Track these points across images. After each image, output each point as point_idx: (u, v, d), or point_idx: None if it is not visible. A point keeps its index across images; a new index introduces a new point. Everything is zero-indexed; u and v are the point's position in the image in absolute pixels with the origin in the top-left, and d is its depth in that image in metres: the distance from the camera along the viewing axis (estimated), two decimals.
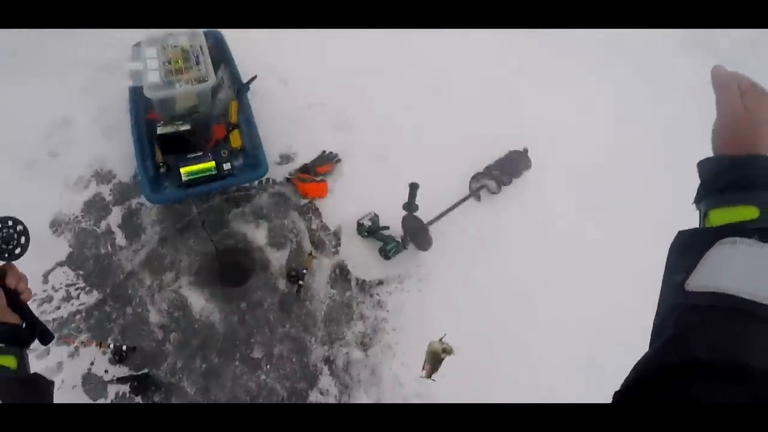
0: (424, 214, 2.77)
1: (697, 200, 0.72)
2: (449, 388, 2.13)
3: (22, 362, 0.91)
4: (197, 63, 2.89)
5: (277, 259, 2.86)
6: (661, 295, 0.69)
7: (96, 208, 2.90)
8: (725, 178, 0.68)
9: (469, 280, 2.90)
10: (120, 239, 2.84)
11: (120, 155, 3.02)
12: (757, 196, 0.65)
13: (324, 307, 2.79)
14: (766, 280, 0.58)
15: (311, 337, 2.73)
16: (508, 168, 3.13)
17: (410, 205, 2.71)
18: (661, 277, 0.70)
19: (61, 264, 2.75)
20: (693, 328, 0.60)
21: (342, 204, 3.03)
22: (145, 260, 2.80)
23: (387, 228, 2.92)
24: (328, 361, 2.71)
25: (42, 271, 2.72)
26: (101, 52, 3.31)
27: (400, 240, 2.84)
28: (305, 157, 3.12)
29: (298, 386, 2.64)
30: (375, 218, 2.91)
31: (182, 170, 2.71)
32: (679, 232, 0.70)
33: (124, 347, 2.57)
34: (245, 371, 2.64)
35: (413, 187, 2.66)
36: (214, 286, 2.77)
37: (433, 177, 2.88)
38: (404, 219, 2.81)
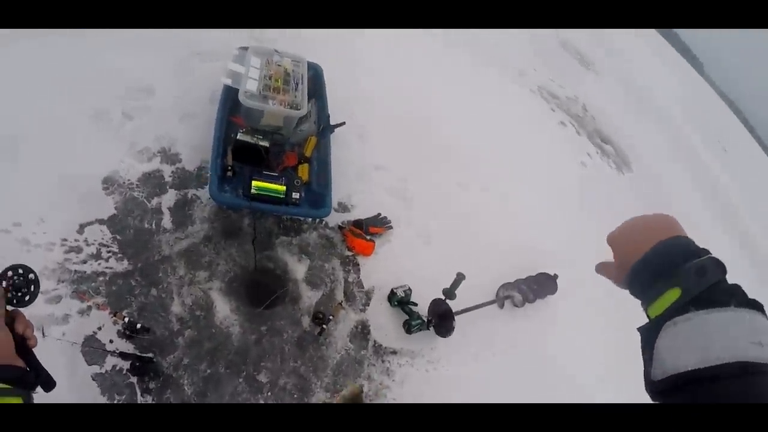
0: (455, 308, 2.97)
1: (644, 308, 0.79)
2: None
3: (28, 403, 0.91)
4: (295, 89, 3.11)
5: (309, 297, 2.91)
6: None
7: (153, 183, 2.91)
8: (643, 279, 0.78)
9: (471, 379, 3.03)
10: (167, 222, 2.84)
11: (190, 143, 3.09)
12: (673, 278, 0.72)
13: (338, 357, 2.83)
14: (714, 343, 0.64)
15: (318, 380, 2.74)
16: (536, 287, 3.39)
17: (451, 292, 2.90)
18: None
19: (101, 222, 2.70)
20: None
21: (382, 268, 3.17)
22: (185, 251, 2.78)
23: (415, 304, 3.07)
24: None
25: (80, 221, 2.65)
26: (202, 39, 3.47)
27: (425, 320, 2.99)
28: (361, 212, 3.29)
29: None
30: (408, 291, 3.06)
31: (254, 183, 2.80)
32: (638, 329, 0.77)
33: (139, 324, 2.49)
34: (246, 390, 2.59)
35: (459, 277, 2.87)
36: (242, 301, 2.77)
37: (467, 273, 3.12)
38: (434, 302, 2.99)
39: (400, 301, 3.02)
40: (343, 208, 3.31)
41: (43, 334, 2.34)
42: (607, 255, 0.88)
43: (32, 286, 1.07)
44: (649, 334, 0.72)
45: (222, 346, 2.62)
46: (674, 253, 0.75)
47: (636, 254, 0.79)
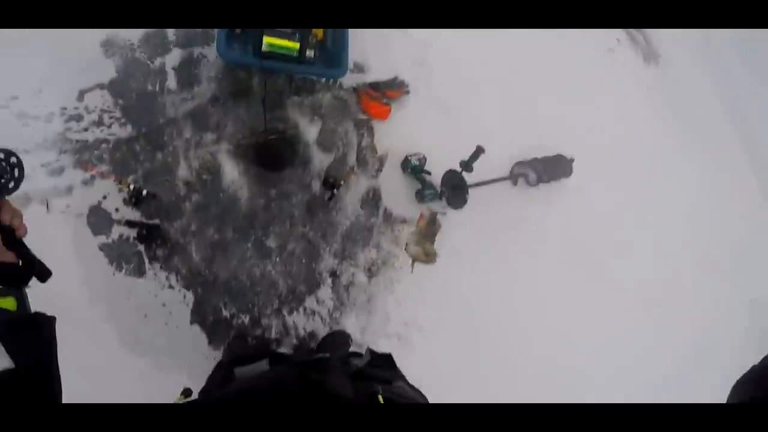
0: (468, 182, 2.75)
1: None
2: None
3: (22, 303, 0.86)
4: None
5: (320, 160, 2.74)
6: None
7: (155, 42, 2.72)
8: None
9: (481, 252, 2.88)
10: (171, 82, 2.68)
11: None
12: None
13: (347, 223, 2.71)
14: None
15: (327, 246, 2.64)
16: (551, 168, 3.09)
17: (469, 165, 2.62)
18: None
19: (101, 87, 2.58)
20: None
21: (396, 134, 2.91)
22: (191, 112, 2.65)
23: (429, 173, 2.83)
24: (334, 274, 2.64)
25: (80, 87, 2.54)
26: None
27: (438, 190, 2.76)
28: (377, 74, 2.98)
29: (299, 288, 2.57)
30: (423, 160, 2.81)
31: (266, 39, 2.53)
32: None
33: (145, 191, 2.43)
34: (254, 255, 2.54)
35: (479, 150, 2.57)
36: (250, 163, 2.64)
37: (487, 153, 2.80)
38: (448, 173, 2.74)
39: (414, 169, 2.80)
40: (359, 68, 3.00)
41: (48, 207, 2.34)
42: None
43: (15, 170, 0.96)
44: None
45: (230, 211, 2.55)
46: None
47: None
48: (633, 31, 4.03)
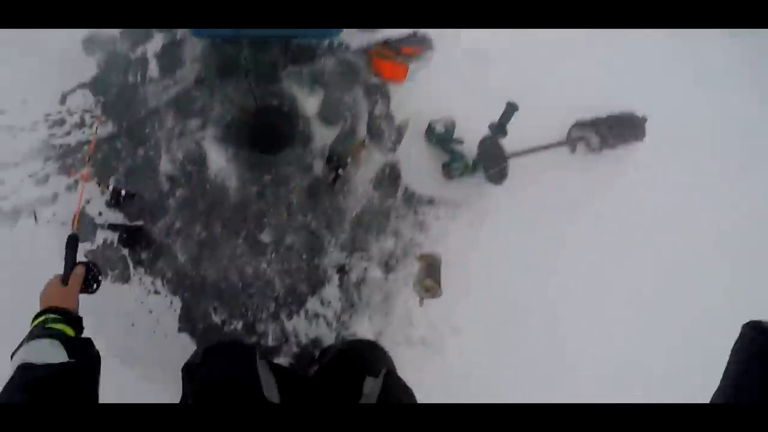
0: (507, 145, 2.09)
1: None
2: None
3: (79, 331, 1.17)
4: None
5: (323, 136, 2.30)
6: None
7: (136, 31, 2.47)
8: None
9: (531, 235, 2.24)
10: (153, 70, 2.41)
11: None
12: None
13: (358, 208, 2.22)
14: None
15: (332, 237, 2.18)
16: (617, 130, 2.35)
17: (500, 128, 2.03)
18: None
19: (82, 86, 2.37)
20: None
21: (418, 97, 2.39)
22: (174, 99, 2.35)
23: (461, 142, 2.27)
24: (342, 270, 2.16)
25: (62, 90, 2.34)
26: None
27: (471, 163, 2.18)
28: (391, 31, 2.48)
29: (299, 287, 2.13)
30: (451, 126, 2.26)
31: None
32: None
33: (123, 191, 2.17)
34: (246, 252, 2.15)
35: (511, 108, 1.98)
36: (240, 147, 2.27)
37: (531, 107, 2.14)
38: (484, 140, 2.14)
39: (440, 137, 2.26)
40: None
41: (36, 218, 2.17)
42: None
43: (99, 277, 1.41)
44: None
45: (218, 204, 2.19)
46: None
47: None
48: None
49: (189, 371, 1.46)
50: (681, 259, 2.28)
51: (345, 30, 2.30)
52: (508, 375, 2.07)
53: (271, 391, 1.18)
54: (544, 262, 2.19)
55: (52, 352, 0.99)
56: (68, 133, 2.29)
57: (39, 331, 1.06)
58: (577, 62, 2.49)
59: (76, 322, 1.17)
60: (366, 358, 1.46)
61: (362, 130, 2.33)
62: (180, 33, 2.44)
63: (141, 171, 2.25)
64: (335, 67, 2.41)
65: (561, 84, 2.41)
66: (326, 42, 2.41)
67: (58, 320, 1.11)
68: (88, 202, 2.19)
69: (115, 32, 2.44)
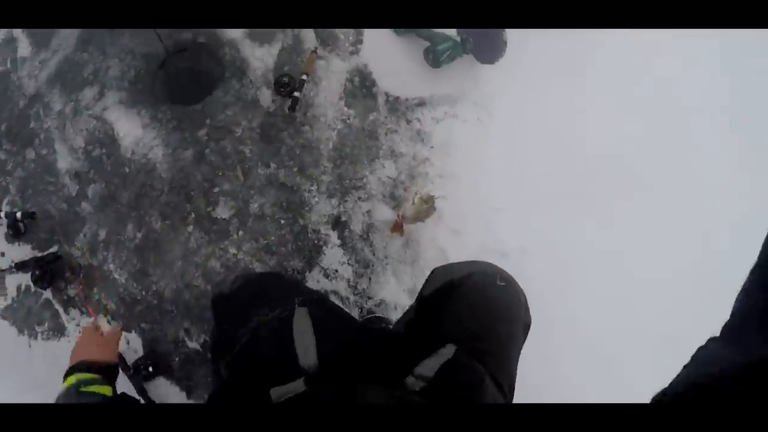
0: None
1: None
2: None
3: (114, 390, 0.99)
4: None
5: (260, 58, 1.63)
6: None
7: None
8: None
9: (548, 111, 1.54)
10: (23, 48, 1.78)
11: None
12: None
13: (334, 136, 1.54)
14: None
15: (311, 183, 1.51)
16: None
17: None
18: None
19: None
20: None
21: None
22: (55, 74, 1.72)
23: None
24: (339, 223, 1.48)
25: None
26: None
27: (459, 40, 1.52)
28: None
29: (290, 264, 1.47)
30: None
31: None
32: None
33: (19, 214, 1.54)
34: (204, 241, 1.50)
35: None
36: (157, 105, 1.62)
37: None
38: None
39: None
40: None
41: None
42: None
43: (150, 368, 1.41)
44: None
45: (147, 189, 1.56)
46: None
47: None
48: None
49: (219, 311, 1.04)
50: None
51: None
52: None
53: (308, 355, 0.76)
54: (560, 148, 1.51)
55: None
56: None
57: (72, 400, 0.90)
58: None
59: (110, 374, 1.03)
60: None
61: (309, 37, 1.65)
62: None
63: (37, 178, 1.63)
64: None
65: None
66: None
67: (93, 381, 0.95)
68: None
69: None
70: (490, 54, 1.53)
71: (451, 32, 1.55)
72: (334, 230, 1.48)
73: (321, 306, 0.90)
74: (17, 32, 1.80)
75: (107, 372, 1.00)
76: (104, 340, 1.10)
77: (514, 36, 1.50)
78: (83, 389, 0.92)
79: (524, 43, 1.56)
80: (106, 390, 0.94)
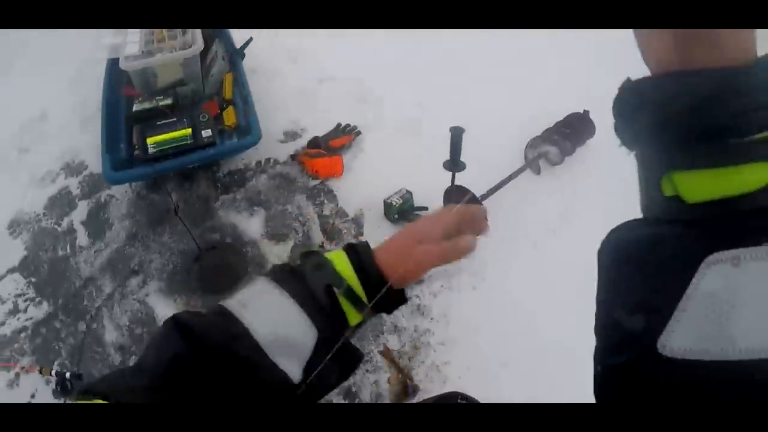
0: (473, 190, 1.96)
1: (654, 175, 0.40)
2: None
3: None
4: (183, 33, 2.33)
5: (277, 254, 2.14)
6: (600, 332, 0.46)
7: (60, 203, 2.36)
8: (695, 117, 0.35)
9: (538, 272, 2.02)
10: (82, 238, 2.26)
11: (95, 145, 2.45)
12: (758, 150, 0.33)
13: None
14: None
15: None
16: (571, 134, 2.25)
17: (453, 162, 1.91)
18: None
19: (12, 270, 2.21)
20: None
21: (363, 183, 2.28)
22: (107, 262, 2.18)
23: (424, 209, 2.15)
24: (349, 393, 1.90)
25: None
26: (86, 46, 2.83)
27: None
28: (316, 133, 2.41)
29: None
30: (407, 195, 2.13)
31: (149, 140, 2.11)
32: (625, 227, 0.45)
33: (68, 374, 1.93)
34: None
35: (456, 133, 1.85)
36: (191, 293, 2.09)
37: (481, 146, 2.10)
38: (448, 191, 2.03)
39: (401, 210, 2.12)
40: (291, 136, 2.48)
41: None
42: None
43: None
44: (674, 260, 0.37)
45: None
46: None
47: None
48: None
49: None
50: None
51: (262, 140, 2.20)
52: None
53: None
54: (557, 305, 1.97)
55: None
56: (2, 323, 2.10)
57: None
58: (507, 90, 2.44)
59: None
60: None
61: (317, 236, 2.18)
62: (104, 196, 2.33)
63: (86, 347, 2.03)
64: (269, 183, 2.30)
65: (499, 113, 2.34)
66: (253, 163, 2.33)
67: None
68: (32, 396, 1.96)
69: (38, 209, 2.32)
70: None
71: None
72: (344, 399, 1.89)
73: None
74: (77, 225, 2.29)
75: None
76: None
77: (494, 206, 1.99)
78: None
79: (502, 215, 2.05)
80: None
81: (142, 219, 2.25)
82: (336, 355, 0.62)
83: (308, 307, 0.61)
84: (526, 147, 2.27)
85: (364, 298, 0.64)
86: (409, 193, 2.15)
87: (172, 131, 2.12)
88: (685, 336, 0.35)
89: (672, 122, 0.36)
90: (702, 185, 0.36)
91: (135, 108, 2.27)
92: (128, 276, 2.14)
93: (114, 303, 2.09)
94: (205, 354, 0.55)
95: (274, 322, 0.59)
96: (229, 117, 2.30)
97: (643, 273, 0.40)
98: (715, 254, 0.35)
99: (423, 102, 2.43)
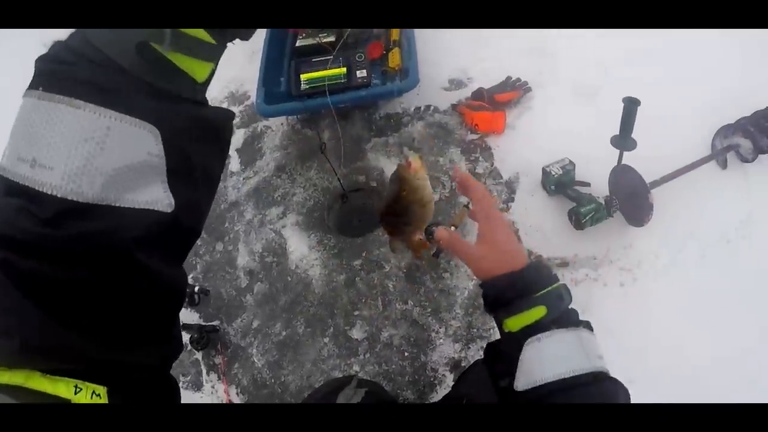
0: (644, 176, 1.61)
1: (489, 311, 0.73)
2: None
3: None
4: None
5: None
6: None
7: None
8: (510, 294, 0.69)
9: (698, 285, 1.61)
10: (234, 164, 2.25)
11: None
12: (540, 297, 0.67)
13: (470, 286, 1.77)
14: (575, 356, 0.65)
15: (441, 325, 1.73)
16: None
17: (623, 137, 1.58)
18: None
19: None
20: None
21: (524, 145, 1.99)
22: (253, 190, 2.15)
23: (586, 184, 1.82)
24: (458, 366, 1.66)
25: None
26: None
27: (603, 202, 1.70)
28: (484, 83, 2.17)
29: (402, 394, 1.65)
30: (569, 167, 1.81)
31: (303, 77, 2.04)
32: (488, 345, 0.74)
33: (197, 288, 1.92)
34: (334, 353, 1.75)
35: (629, 107, 1.53)
36: (325, 232, 1.97)
37: (661, 127, 1.74)
38: (614, 172, 1.68)
39: (560, 182, 1.81)
40: (456, 84, 2.25)
41: None
42: None
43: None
44: (512, 348, 0.68)
45: (301, 298, 1.86)
46: (544, 276, 0.70)
47: (505, 266, 0.71)
48: None
49: None
50: None
51: (424, 86, 2.02)
52: None
53: None
54: (716, 318, 1.55)
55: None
56: None
57: None
58: (699, 63, 1.98)
59: None
60: None
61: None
62: (260, 126, 2.30)
63: (219, 267, 2.01)
64: (425, 130, 2.11)
65: (689, 90, 1.90)
66: (412, 108, 2.15)
67: None
68: None
69: None
70: (638, 217, 1.64)
71: (601, 192, 1.72)
72: (451, 373, 1.67)
73: None
74: (232, 151, 2.29)
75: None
76: None
77: (662, 197, 1.63)
78: None
79: (672, 207, 1.69)
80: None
81: (293, 152, 2.18)
82: (198, 135, 0.52)
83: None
84: (714, 135, 1.82)
85: None
86: (572, 164, 1.82)
87: (327, 69, 2.03)
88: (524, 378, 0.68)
89: (496, 299, 0.73)
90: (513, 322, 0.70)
91: (298, 43, 2.22)
92: (270, 205, 2.08)
93: (252, 229, 2.04)
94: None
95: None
96: (394, 59, 2.15)
97: (501, 360, 0.72)
98: None
99: (606, 65, 2.08)
